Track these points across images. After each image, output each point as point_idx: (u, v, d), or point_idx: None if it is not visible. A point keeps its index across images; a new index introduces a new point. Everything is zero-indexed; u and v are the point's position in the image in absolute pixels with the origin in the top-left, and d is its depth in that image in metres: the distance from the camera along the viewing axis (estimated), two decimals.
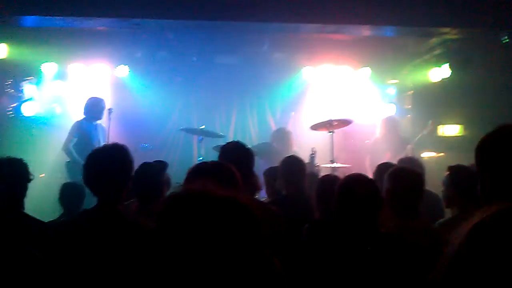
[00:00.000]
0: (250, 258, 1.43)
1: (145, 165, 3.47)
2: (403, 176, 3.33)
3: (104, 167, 2.71)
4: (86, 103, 7.73)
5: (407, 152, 7.60)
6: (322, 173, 6.18)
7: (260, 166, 6.53)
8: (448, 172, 3.81)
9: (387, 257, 2.63)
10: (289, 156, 4.85)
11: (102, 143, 7.50)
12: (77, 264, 2.52)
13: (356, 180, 2.75)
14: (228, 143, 3.76)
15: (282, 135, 8.01)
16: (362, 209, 2.65)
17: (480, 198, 1.86)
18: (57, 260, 2.51)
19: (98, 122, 7.71)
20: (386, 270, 2.57)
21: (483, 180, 1.84)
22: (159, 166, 3.50)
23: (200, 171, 2.52)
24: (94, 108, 7.64)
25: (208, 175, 2.43)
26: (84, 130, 7.58)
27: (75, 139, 7.54)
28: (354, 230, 2.66)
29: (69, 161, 7.46)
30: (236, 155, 3.49)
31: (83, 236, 2.59)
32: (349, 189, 2.71)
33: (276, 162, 4.90)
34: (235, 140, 3.87)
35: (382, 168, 4.03)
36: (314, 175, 5.39)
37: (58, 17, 6.74)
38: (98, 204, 2.74)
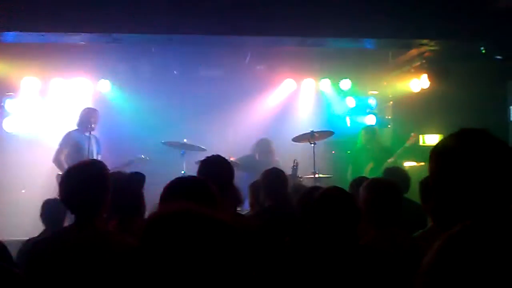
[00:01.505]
0: (231, 275, 1.44)
1: (123, 179, 3.43)
2: (379, 187, 3.36)
3: (80, 184, 2.70)
4: (80, 113, 7.61)
5: (389, 162, 7.68)
6: (305, 184, 6.21)
7: (244, 179, 6.56)
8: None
9: (364, 269, 2.65)
10: (270, 169, 4.88)
11: (95, 154, 7.48)
12: (54, 282, 2.51)
13: (332, 195, 2.78)
14: (208, 157, 3.76)
15: (264, 145, 8.04)
16: (339, 222, 2.67)
17: (433, 210, 1.78)
18: (34, 278, 2.50)
19: (92, 133, 7.56)
20: (363, 282, 2.59)
21: (439, 189, 1.71)
22: (139, 179, 3.46)
23: (175, 188, 2.52)
24: (87, 118, 7.49)
25: (184, 192, 2.43)
26: (75, 141, 7.43)
27: (66, 150, 7.40)
28: (332, 244, 2.69)
29: (60, 174, 7.09)
30: (216, 169, 3.51)
31: (61, 254, 2.57)
32: (326, 204, 2.73)
33: (260, 175, 4.93)
34: (216, 153, 3.88)
35: (357, 182, 4.07)
36: (301, 186, 5.40)
37: (38, 33, 6.72)
38: (76, 221, 2.73)
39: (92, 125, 7.46)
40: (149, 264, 1.38)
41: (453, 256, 1.26)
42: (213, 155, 3.75)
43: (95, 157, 7.30)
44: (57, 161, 7.38)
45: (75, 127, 7.60)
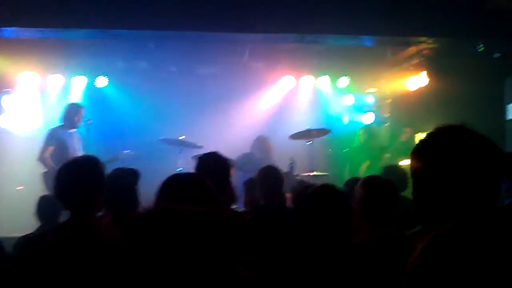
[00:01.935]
0: (214, 272, 1.44)
1: (117, 174, 3.42)
2: (375, 185, 3.37)
3: (75, 180, 2.70)
4: (65, 110, 7.47)
5: (385, 160, 7.69)
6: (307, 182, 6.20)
7: (241, 178, 6.56)
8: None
9: (356, 267, 2.65)
10: (266, 166, 4.87)
11: (78, 152, 7.32)
12: (49, 278, 2.51)
13: (324, 192, 2.78)
14: (204, 154, 3.76)
15: (262, 142, 8.03)
16: (330, 219, 2.68)
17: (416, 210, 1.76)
18: (29, 274, 2.50)
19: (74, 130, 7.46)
20: (354, 280, 2.60)
21: (421, 189, 1.69)
22: (133, 175, 3.45)
23: (172, 184, 2.51)
24: (71, 115, 7.37)
25: (180, 189, 2.42)
26: (59, 138, 7.30)
27: (50, 148, 7.28)
28: (323, 241, 2.69)
29: (46, 172, 7.18)
30: (212, 166, 3.51)
31: (55, 249, 2.57)
32: (318, 201, 2.74)
33: (254, 172, 4.92)
34: (213, 150, 3.87)
35: (351, 182, 4.08)
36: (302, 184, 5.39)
37: (37, 29, 6.71)
38: (71, 217, 2.73)
39: (77, 123, 7.36)
40: (133, 261, 1.39)
41: (439, 255, 1.26)
42: (209, 152, 3.74)
43: (78, 155, 7.09)
44: (42, 159, 7.27)
45: (59, 124, 7.46)
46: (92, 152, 6.90)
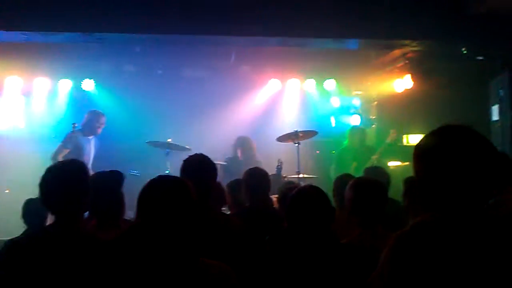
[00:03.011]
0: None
1: (100, 178, 3.40)
2: (365, 186, 3.39)
3: (60, 184, 2.70)
4: (87, 116, 7.61)
5: (372, 161, 7.74)
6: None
7: (225, 180, 6.55)
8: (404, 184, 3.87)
9: (345, 267, 2.68)
10: (253, 168, 4.87)
11: (91, 159, 7.50)
12: (33, 282, 2.51)
13: (305, 193, 2.81)
14: (189, 156, 3.73)
15: (244, 141, 8.04)
16: (312, 220, 2.71)
17: (422, 209, 1.77)
18: (12, 278, 2.50)
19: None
20: (342, 280, 2.62)
21: (425, 188, 1.69)
22: (117, 178, 3.43)
23: (152, 188, 2.47)
24: (93, 122, 7.54)
25: (160, 192, 2.39)
26: (77, 143, 7.39)
27: (66, 150, 7.34)
28: (309, 241, 2.71)
29: None
30: (199, 168, 3.48)
31: (39, 254, 2.57)
32: (299, 201, 2.76)
33: (241, 174, 4.91)
34: (199, 153, 3.85)
35: (340, 180, 4.11)
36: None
37: (21, 32, 6.68)
38: (56, 221, 2.73)
39: (97, 130, 7.53)
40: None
41: (404, 251, 1.28)
42: (196, 154, 3.73)
43: (91, 162, 7.36)
44: (55, 159, 7.25)
45: (80, 128, 7.55)
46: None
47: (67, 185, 2.70)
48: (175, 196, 2.23)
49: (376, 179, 3.70)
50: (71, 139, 7.42)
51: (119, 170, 3.55)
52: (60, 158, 7.26)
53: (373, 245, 3.05)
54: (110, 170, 3.49)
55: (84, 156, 7.31)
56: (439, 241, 1.28)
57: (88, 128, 7.56)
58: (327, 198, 2.84)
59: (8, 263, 2.55)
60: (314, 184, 3.07)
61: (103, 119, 7.63)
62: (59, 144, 7.43)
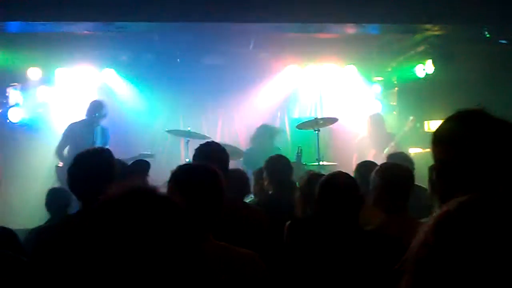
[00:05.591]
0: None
1: (126, 166, 3.42)
2: (393, 171, 3.33)
3: (88, 171, 2.72)
4: (89, 105, 7.57)
5: (390, 149, 7.63)
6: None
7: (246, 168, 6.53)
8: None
9: (369, 254, 2.65)
10: (274, 155, 4.86)
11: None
12: (60, 270, 2.53)
13: (336, 178, 2.78)
14: (201, 144, 3.65)
15: (265, 131, 7.93)
16: (343, 206, 2.68)
17: (438, 195, 1.74)
18: (40, 266, 2.52)
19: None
20: (368, 267, 2.60)
21: (449, 177, 1.68)
22: (142, 166, 3.45)
23: (183, 174, 2.45)
24: (92, 111, 7.48)
25: (192, 179, 2.36)
26: (78, 133, 7.36)
27: (68, 143, 7.36)
28: (335, 228, 2.70)
29: (59, 166, 7.26)
30: (208, 156, 3.44)
31: (66, 241, 2.59)
32: (330, 187, 2.73)
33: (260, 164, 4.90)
34: (221, 141, 3.84)
35: (363, 166, 4.07)
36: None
37: (42, 22, 6.72)
38: (82, 208, 2.75)
39: (97, 119, 7.44)
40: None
41: (451, 230, 1.24)
42: (207, 142, 3.69)
43: None
44: (59, 153, 7.36)
45: (81, 118, 7.56)
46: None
47: (94, 173, 2.72)
48: (206, 184, 2.23)
49: (404, 165, 3.65)
50: (70, 130, 7.43)
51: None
52: (64, 150, 7.34)
53: (398, 232, 3.02)
54: (137, 160, 3.52)
55: (86, 145, 7.19)
56: (493, 216, 1.23)
57: (88, 117, 7.49)
58: (357, 185, 2.81)
59: (37, 252, 2.57)
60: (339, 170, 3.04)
61: (105, 109, 7.54)
62: (60, 137, 7.45)
